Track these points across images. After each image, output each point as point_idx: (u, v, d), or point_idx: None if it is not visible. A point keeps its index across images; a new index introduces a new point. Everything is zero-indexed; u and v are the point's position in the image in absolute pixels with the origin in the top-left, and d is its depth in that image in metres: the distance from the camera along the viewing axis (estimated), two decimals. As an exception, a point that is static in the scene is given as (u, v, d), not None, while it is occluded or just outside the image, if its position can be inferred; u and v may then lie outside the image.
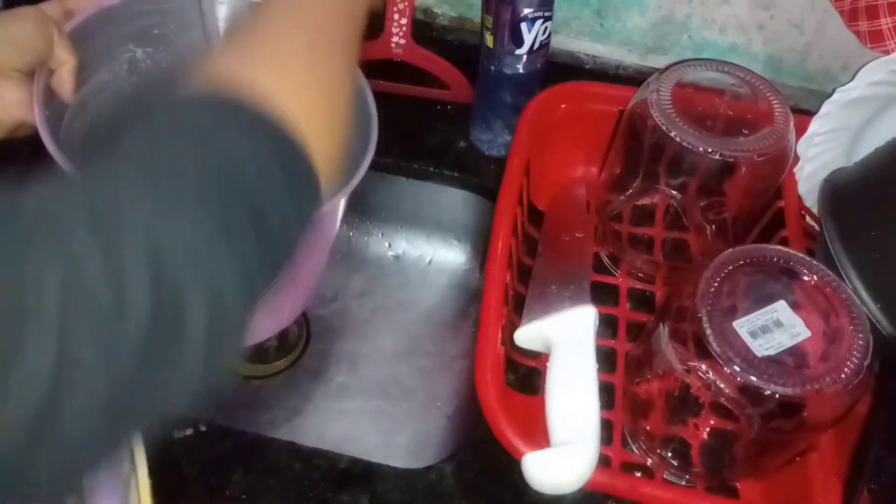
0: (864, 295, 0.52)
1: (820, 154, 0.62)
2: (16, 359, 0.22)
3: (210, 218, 0.27)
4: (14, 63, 0.43)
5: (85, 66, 0.47)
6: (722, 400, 0.46)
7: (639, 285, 0.65)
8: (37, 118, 0.43)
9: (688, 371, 0.47)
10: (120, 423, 0.25)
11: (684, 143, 0.54)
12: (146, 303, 0.24)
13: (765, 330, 0.45)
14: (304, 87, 0.34)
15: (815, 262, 0.49)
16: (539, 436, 0.49)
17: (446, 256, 0.82)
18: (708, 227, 0.62)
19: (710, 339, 0.45)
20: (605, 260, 0.67)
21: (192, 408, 0.27)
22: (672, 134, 0.54)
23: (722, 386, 0.45)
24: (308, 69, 0.35)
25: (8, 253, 0.23)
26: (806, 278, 0.48)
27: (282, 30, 0.36)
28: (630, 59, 0.80)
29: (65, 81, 0.45)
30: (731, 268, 0.48)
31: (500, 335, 0.54)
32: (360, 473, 0.55)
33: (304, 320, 0.78)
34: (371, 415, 0.72)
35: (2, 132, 0.44)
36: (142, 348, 0.24)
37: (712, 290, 0.47)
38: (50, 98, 0.45)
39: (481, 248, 0.79)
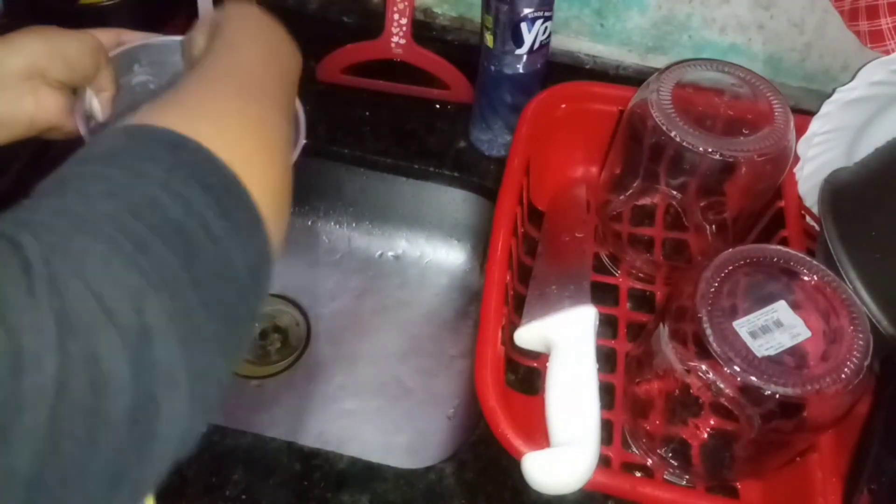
0: (864, 295, 0.52)
1: (820, 154, 0.62)
2: (15, 416, 0.22)
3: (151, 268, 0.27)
4: (60, 76, 0.45)
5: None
6: (722, 400, 0.46)
7: (639, 285, 0.65)
8: (82, 132, 0.47)
9: (688, 371, 0.47)
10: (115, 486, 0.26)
11: (684, 143, 0.54)
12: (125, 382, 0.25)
13: (765, 330, 0.45)
14: (241, 138, 0.34)
15: (815, 262, 0.49)
16: (539, 436, 0.49)
17: (446, 256, 0.82)
18: (708, 227, 0.62)
19: (710, 339, 0.45)
20: (605, 260, 0.67)
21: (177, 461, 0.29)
22: (672, 134, 0.54)
23: (722, 386, 0.45)
24: (243, 121, 0.35)
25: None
26: (806, 278, 0.48)
27: (215, 83, 0.37)
28: (630, 59, 0.80)
29: (103, 107, 0.49)
30: (731, 268, 0.48)
31: (500, 335, 0.54)
32: (360, 473, 0.55)
33: (304, 320, 0.78)
34: (371, 415, 0.72)
35: (34, 131, 0.46)
36: (126, 418, 0.25)
37: (712, 290, 0.47)
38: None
39: (481, 248, 0.79)
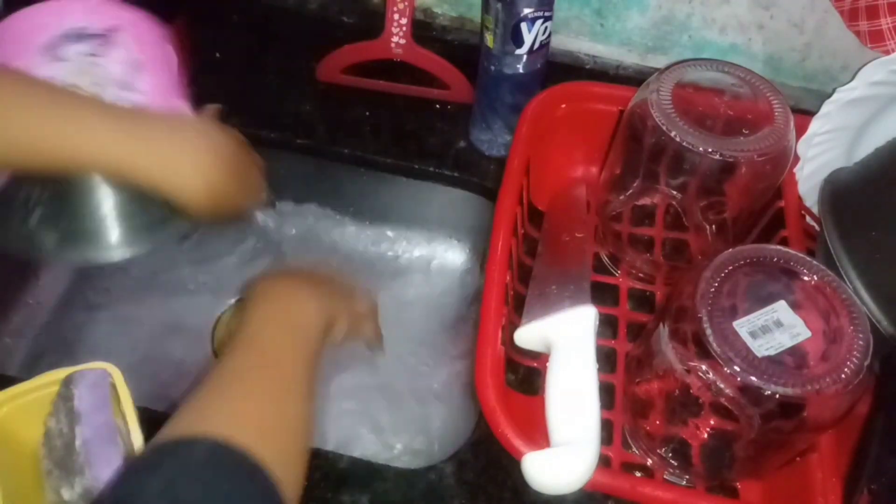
0: (864, 295, 0.52)
1: (820, 154, 0.62)
2: None
3: None
4: None
5: None
6: (722, 400, 0.46)
7: (639, 285, 0.65)
8: None
9: (688, 371, 0.47)
10: None
11: (684, 143, 0.54)
12: None
13: (765, 330, 0.45)
14: (273, 431, 0.38)
15: (815, 262, 0.49)
16: (539, 436, 0.49)
17: (446, 256, 0.82)
18: (708, 227, 0.62)
19: (710, 339, 0.45)
20: (605, 260, 0.67)
21: None
22: (672, 134, 0.54)
23: (722, 386, 0.45)
24: (275, 415, 0.39)
25: None
26: (806, 278, 0.48)
27: (246, 380, 0.40)
28: (630, 59, 0.80)
29: None
30: (731, 268, 0.48)
31: (500, 335, 0.54)
32: (360, 473, 0.55)
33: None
34: (371, 415, 0.72)
35: None
36: None
37: (712, 290, 0.47)
38: None
39: (481, 248, 0.79)
